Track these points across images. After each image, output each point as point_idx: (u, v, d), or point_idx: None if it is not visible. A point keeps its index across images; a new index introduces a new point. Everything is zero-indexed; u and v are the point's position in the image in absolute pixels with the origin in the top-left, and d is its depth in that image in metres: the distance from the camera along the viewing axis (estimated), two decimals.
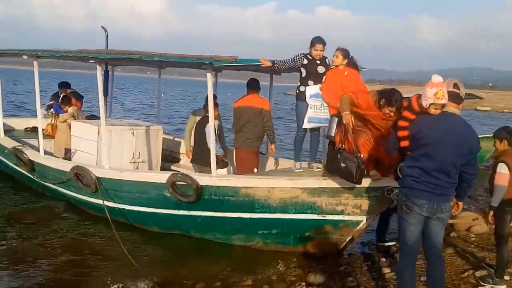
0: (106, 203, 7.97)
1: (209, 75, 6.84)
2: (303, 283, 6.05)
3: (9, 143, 10.04)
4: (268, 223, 7.04)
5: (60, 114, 10.01)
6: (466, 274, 6.07)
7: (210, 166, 7.37)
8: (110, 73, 11.12)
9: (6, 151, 9.93)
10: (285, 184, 6.73)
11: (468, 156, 4.49)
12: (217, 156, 8.00)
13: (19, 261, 6.58)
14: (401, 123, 4.92)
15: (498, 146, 5.65)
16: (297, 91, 7.24)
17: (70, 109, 10.07)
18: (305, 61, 7.09)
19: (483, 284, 5.68)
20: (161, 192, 7.42)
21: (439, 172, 4.45)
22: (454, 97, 4.66)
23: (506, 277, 5.77)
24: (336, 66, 6.88)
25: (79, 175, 8.15)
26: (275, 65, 7.15)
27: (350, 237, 6.91)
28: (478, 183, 13.39)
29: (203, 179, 7.08)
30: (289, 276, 6.39)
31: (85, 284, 6.01)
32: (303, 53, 7.16)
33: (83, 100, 11.95)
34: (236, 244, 7.40)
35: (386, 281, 5.99)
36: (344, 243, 6.97)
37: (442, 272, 4.85)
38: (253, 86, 8.05)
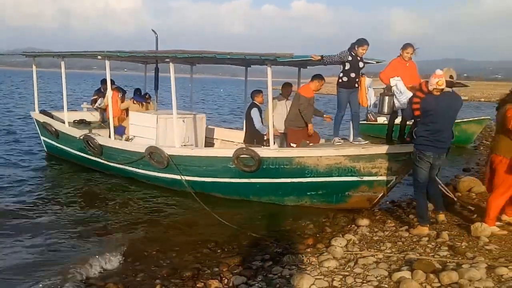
0: (174, 176, 9.75)
1: (269, 69, 8.62)
2: (353, 225, 7.90)
3: (77, 132, 11.69)
4: (315, 186, 8.85)
5: (144, 103, 12.32)
6: (475, 216, 7.94)
7: (256, 145, 9.19)
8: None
9: (77, 138, 11.52)
10: (332, 152, 8.54)
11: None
12: (263, 135, 9.83)
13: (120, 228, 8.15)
14: (415, 99, 7.13)
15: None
16: (340, 80, 8.92)
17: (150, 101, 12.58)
18: (350, 58, 8.73)
19: None
20: (226, 165, 9.20)
21: (441, 132, 6.80)
22: (448, 83, 6.95)
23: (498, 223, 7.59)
24: (402, 57, 8.49)
25: (152, 154, 9.88)
26: (324, 59, 8.83)
27: (382, 193, 8.75)
28: (470, 159, 15.49)
29: (263, 152, 8.87)
30: (339, 222, 8.28)
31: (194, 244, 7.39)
32: (347, 50, 8.78)
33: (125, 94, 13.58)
34: (287, 204, 9.20)
35: (415, 222, 7.81)
36: (377, 199, 8.81)
37: (437, 187, 7.58)
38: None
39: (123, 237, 7.48)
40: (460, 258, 5.95)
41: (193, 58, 9.85)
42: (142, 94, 12.78)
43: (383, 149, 8.37)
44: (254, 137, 9.98)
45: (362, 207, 8.85)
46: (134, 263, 6.44)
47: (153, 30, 11.99)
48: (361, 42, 8.72)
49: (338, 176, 8.64)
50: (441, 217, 7.37)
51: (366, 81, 8.85)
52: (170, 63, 9.57)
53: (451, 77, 7.27)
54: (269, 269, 6.09)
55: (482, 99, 67.57)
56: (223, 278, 5.86)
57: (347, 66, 8.75)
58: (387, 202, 9.50)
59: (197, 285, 5.68)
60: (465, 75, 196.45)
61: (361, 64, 8.81)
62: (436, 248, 6.41)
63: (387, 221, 8.02)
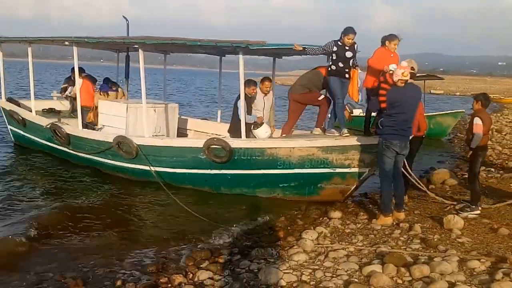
0: (143, 167, 9.48)
1: (241, 56, 8.38)
2: (325, 217, 7.75)
3: (44, 121, 11.29)
4: (287, 177, 8.64)
5: (110, 93, 11.91)
6: (448, 208, 7.89)
7: (239, 135, 8.91)
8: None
9: (44, 127, 11.12)
10: (304, 144, 8.36)
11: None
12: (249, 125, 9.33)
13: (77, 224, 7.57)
14: (381, 91, 7.13)
15: (474, 105, 7.54)
16: (329, 69, 8.62)
17: (120, 89, 12.19)
18: (335, 48, 8.42)
19: (462, 212, 7.47)
20: (196, 155, 8.94)
21: (406, 122, 7.00)
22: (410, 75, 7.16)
23: (477, 211, 7.55)
24: (388, 48, 8.08)
25: (120, 144, 9.57)
26: (306, 50, 8.56)
27: (355, 186, 8.60)
28: (445, 151, 15.51)
29: (234, 142, 8.64)
30: (311, 215, 8.11)
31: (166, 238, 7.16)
32: (333, 40, 8.50)
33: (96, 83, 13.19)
34: (259, 196, 8.97)
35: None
36: (350, 191, 8.65)
37: (403, 185, 7.53)
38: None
39: (85, 229, 7.20)
40: (432, 251, 5.85)
41: (163, 44, 9.50)
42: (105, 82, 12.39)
43: (356, 140, 8.20)
44: (238, 127, 9.60)
45: (335, 200, 8.69)
46: (95, 257, 6.14)
47: (124, 17, 11.64)
48: (347, 31, 8.41)
49: (310, 167, 8.45)
50: (401, 215, 7.33)
51: (360, 75, 8.55)
52: (140, 50, 9.25)
53: (412, 68, 7.40)
54: (236, 263, 5.88)
55: (458, 93, 68.49)
56: (188, 273, 5.63)
57: (334, 56, 8.49)
58: (361, 195, 9.36)
59: (161, 280, 5.42)
60: (441, 69, 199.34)
61: (349, 54, 8.46)
62: (408, 241, 6.30)
63: (359, 213, 7.89)
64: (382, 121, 7.09)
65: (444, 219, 6.83)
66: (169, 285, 5.36)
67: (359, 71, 8.61)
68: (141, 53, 9.27)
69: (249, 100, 9.38)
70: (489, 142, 13.65)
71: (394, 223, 7.12)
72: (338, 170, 8.39)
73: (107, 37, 9.93)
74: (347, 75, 8.61)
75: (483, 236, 6.42)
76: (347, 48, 8.44)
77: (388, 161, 7.14)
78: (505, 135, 18.62)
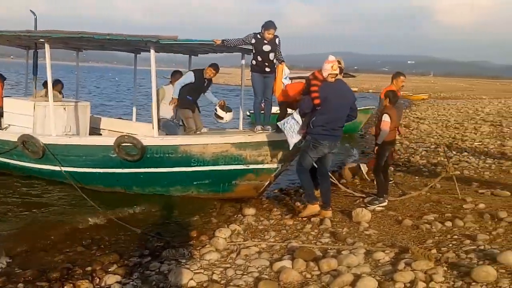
0: (52, 167, 9.03)
1: (152, 51, 8.19)
2: (240, 215, 7.76)
3: None
4: (202, 175, 8.55)
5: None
6: (357, 201, 8.15)
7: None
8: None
9: None
10: (218, 140, 8.31)
11: (352, 106, 7.09)
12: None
13: None
14: (313, 88, 6.99)
15: (384, 102, 7.83)
16: (251, 65, 8.44)
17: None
18: (253, 41, 8.24)
19: (370, 205, 7.72)
20: (107, 154, 8.64)
21: (337, 121, 6.98)
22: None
23: (385, 203, 7.85)
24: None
25: (25, 143, 9.05)
26: (225, 42, 8.34)
27: (268, 182, 8.65)
28: (356, 147, 16.04)
29: (146, 140, 8.43)
30: (226, 212, 8.10)
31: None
32: (254, 33, 8.29)
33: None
34: (173, 195, 8.82)
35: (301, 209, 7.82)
36: (264, 187, 8.70)
37: (329, 183, 7.53)
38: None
39: None
40: (340, 244, 5.99)
41: (71, 38, 9.06)
42: None
43: (269, 136, 8.25)
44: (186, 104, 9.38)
45: (249, 196, 8.72)
46: None
47: (31, 11, 10.92)
48: (268, 25, 8.18)
49: (224, 164, 8.40)
50: (329, 213, 7.29)
51: (285, 70, 8.38)
52: (46, 44, 8.77)
53: (339, 62, 7.40)
54: (146, 265, 5.71)
55: (371, 90, 71.25)
56: (95, 278, 5.38)
57: (253, 50, 8.32)
58: (275, 190, 9.47)
59: (65, 287, 5.16)
60: (355, 67, 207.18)
61: (266, 48, 8.23)
62: (319, 235, 6.43)
63: (273, 209, 7.96)
64: (314, 121, 6.94)
65: (352, 212, 7.04)
66: None
67: (285, 66, 8.41)
68: (47, 48, 8.79)
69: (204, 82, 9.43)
70: (398, 137, 14.30)
71: (311, 219, 7.18)
72: (251, 166, 8.40)
73: (11, 31, 9.32)
74: (267, 69, 8.36)
75: (389, 228, 6.66)
76: (265, 42, 8.21)
77: (310, 160, 7.18)
78: (412, 130, 19.57)
